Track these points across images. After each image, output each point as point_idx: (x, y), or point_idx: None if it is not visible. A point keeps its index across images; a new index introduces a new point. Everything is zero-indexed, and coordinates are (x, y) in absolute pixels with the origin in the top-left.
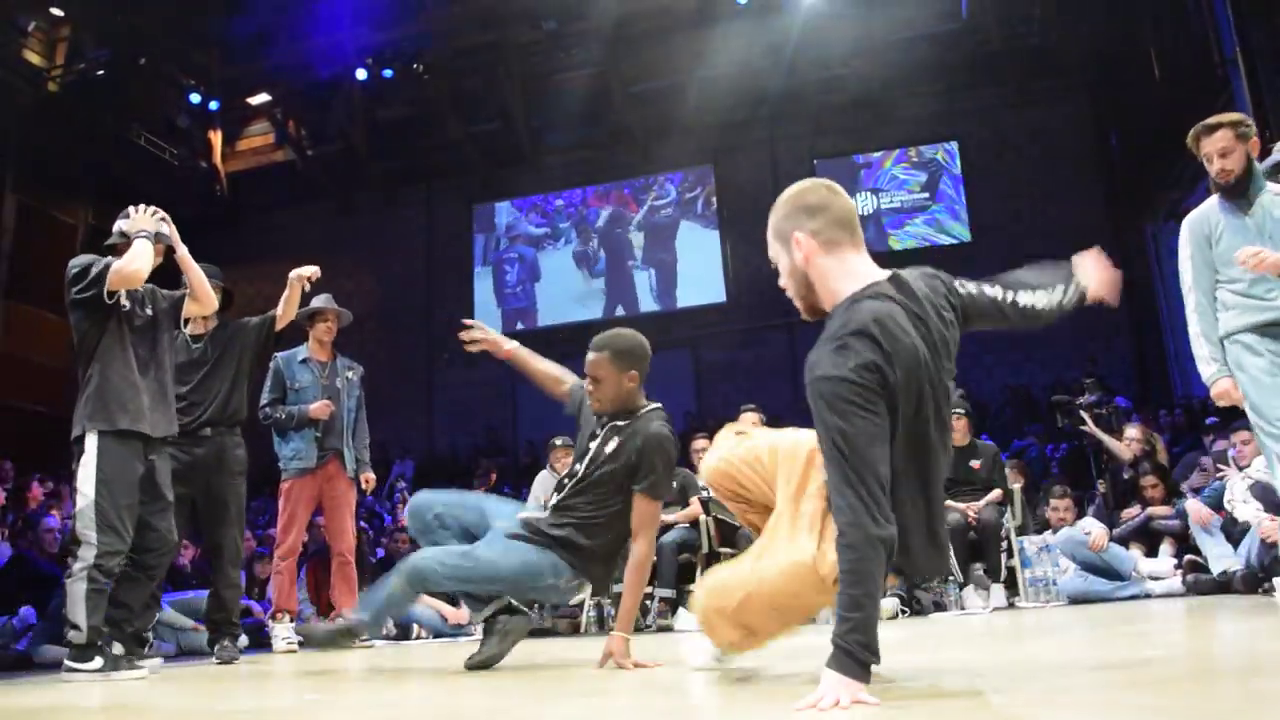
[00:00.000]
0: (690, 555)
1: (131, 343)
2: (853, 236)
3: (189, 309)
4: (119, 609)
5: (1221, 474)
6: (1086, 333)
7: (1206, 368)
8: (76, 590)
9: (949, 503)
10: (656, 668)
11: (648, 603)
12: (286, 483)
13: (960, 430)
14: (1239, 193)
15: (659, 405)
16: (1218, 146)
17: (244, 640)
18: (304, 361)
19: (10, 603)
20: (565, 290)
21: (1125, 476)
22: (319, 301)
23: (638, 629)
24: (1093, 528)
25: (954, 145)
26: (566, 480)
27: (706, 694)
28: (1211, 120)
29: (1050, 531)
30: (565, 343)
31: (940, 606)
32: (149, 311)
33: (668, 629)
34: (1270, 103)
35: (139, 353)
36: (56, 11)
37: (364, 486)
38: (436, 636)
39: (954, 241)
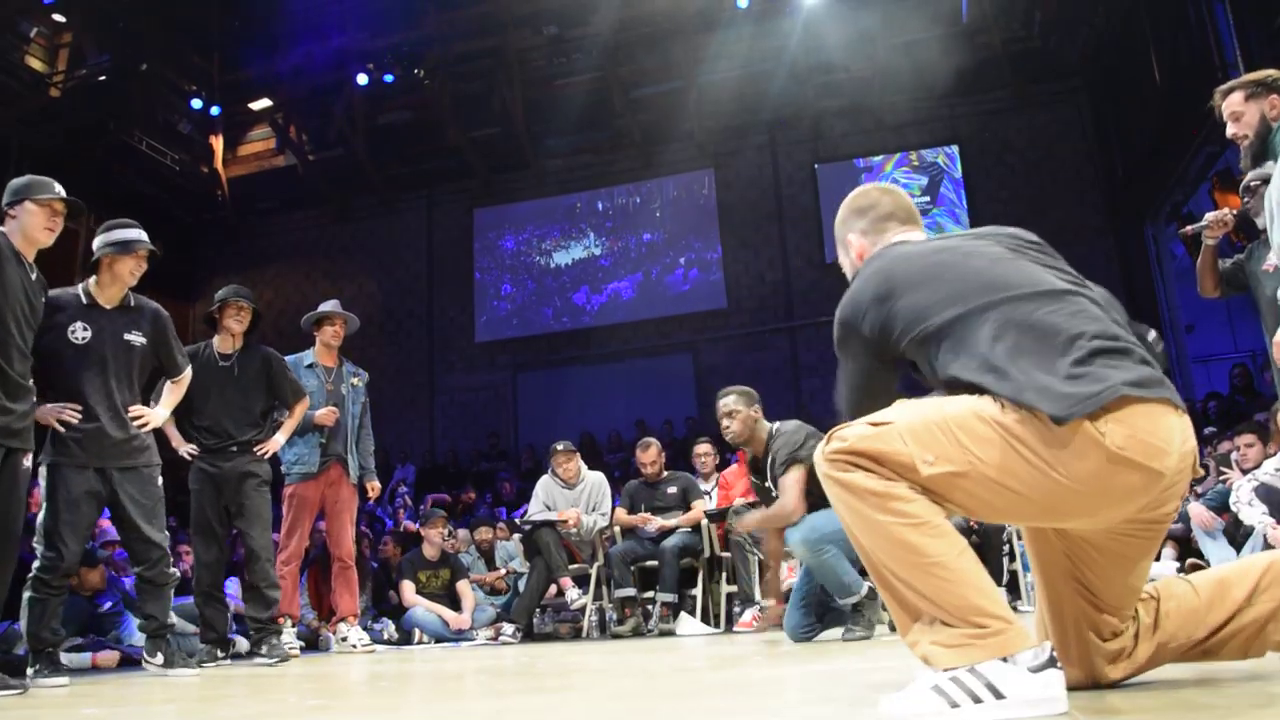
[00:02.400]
0: (692, 560)
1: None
2: (903, 224)
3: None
4: (149, 620)
5: (1224, 476)
6: None
7: None
8: (24, 597)
9: None
10: None
11: (649, 607)
12: (289, 488)
13: None
14: (1259, 159)
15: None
16: (1229, 111)
17: (245, 644)
18: (310, 366)
19: (9, 609)
20: (568, 295)
21: None
22: (327, 306)
23: (638, 633)
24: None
25: (954, 149)
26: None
27: (702, 695)
28: (1228, 84)
29: None
30: (566, 347)
31: None
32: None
33: (669, 634)
34: None
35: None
36: (59, 17)
37: (369, 495)
38: (438, 641)
39: None
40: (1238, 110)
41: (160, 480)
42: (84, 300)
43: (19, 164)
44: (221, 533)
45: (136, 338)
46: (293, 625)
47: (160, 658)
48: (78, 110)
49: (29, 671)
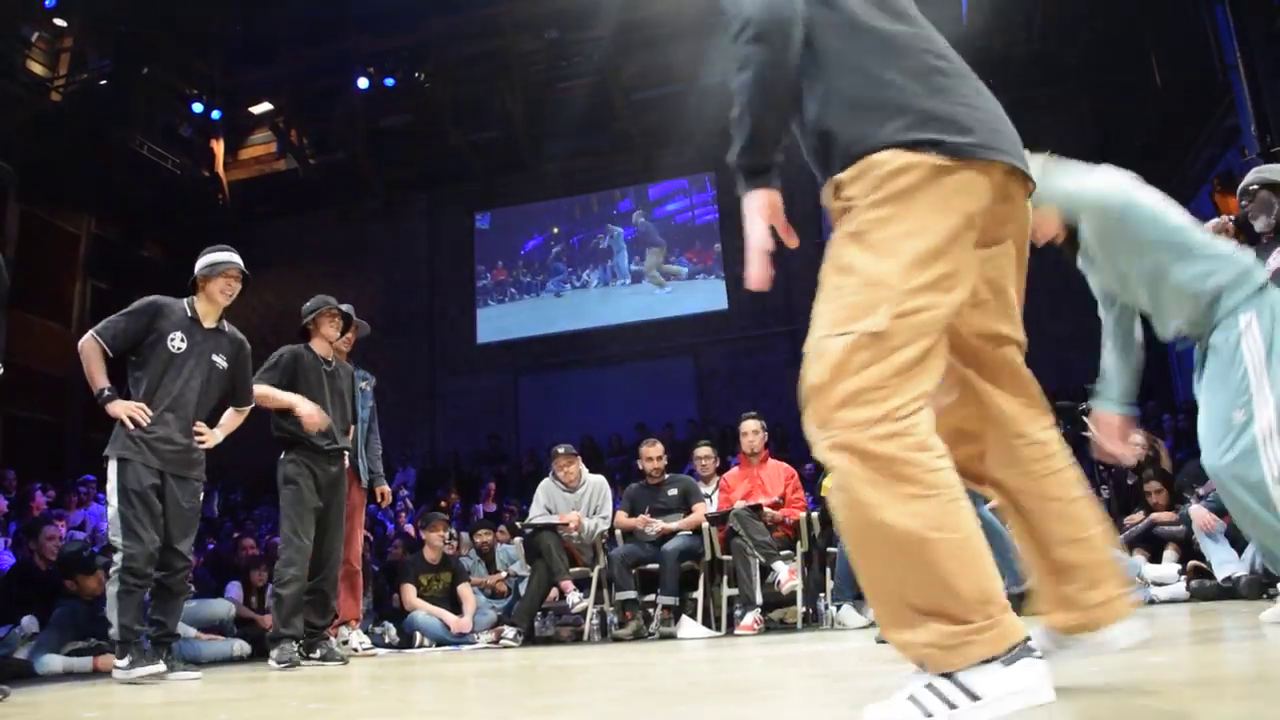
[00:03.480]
0: (693, 563)
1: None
2: None
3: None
4: (157, 626)
5: None
6: (1090, 338)
7: None
8: (110, 591)
9: None
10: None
11: (650, 610)
12: None
13: None
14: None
15: None
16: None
17: (247, 648)
18: None
19: (12, 611)
20: (569, 298)
21: (1129, 482)
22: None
23: (639, 636)
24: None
25: None
26: None
27: (704, 699)
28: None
29: None
30: (567, 350)
31: None
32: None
33: (670, 637)
34: (1271, 108)
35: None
36: (60, 22)
37: (379, 501)
38: (439, 645)
39: None
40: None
41: (202, 496)
42: (188, 314)
43: (21, 169)
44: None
45: (221, 361)
46: None
47: (161, 665)
48: (79, 115)
49: (120, 664)
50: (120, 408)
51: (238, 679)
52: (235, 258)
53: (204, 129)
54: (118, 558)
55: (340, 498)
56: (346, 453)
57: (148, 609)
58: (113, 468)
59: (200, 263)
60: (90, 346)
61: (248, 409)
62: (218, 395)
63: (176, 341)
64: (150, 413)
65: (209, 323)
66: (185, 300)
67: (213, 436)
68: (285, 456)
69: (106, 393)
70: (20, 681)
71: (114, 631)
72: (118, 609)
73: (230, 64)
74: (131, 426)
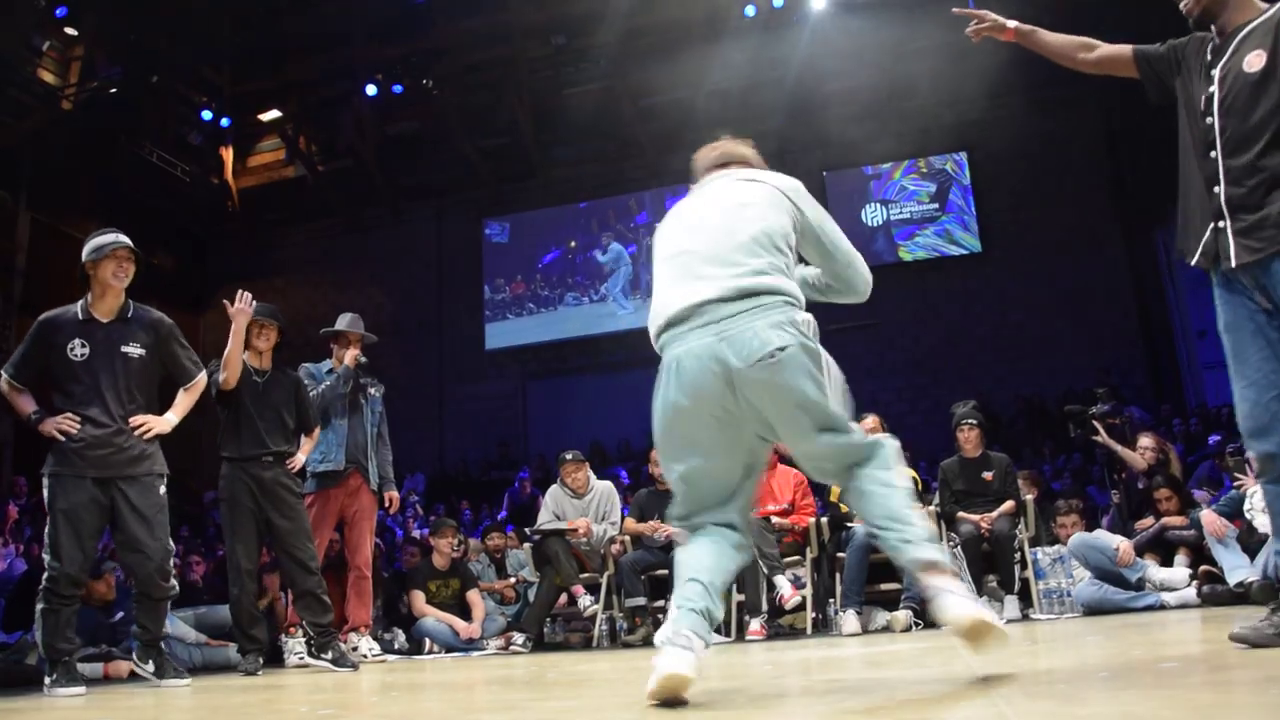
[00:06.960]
0: None
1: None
2: None
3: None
4: (142, 630)
5: (1239, 483)
6: (1099, 342)
7: None
8: (36, 609)
9: (961, 514)
10: None
11: (660, 616)
12: (309, 497)
13: (973, 441)
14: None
15: None
16: None
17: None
18: (330, 373)
19: (23, 618)
20: (575, 303)
21: (1140, 486)
22: (345, 321)
23: (649, 642)
24: (1119, 542)
25: (963, 155)
26: None
27: (713, 704)
28: None
29: (1061, 545)
30: (576, 356)
31: None
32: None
33: None
34: None
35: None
36: (70, 31)
37: (387, 506)
38: (448, 651)
39: (964, 252)
40: None
41: (163, 490)
42: (80, 317)
43: (32, 177)
44: (260, 542)
45: (134, 349)
46: (303, 635)
47: (151, 665)
48: (89, 122)
49: (46, 681)
50: (48, 424)
51: (247, 685)
52: (122, 237)
53: (213, 136)
54: (45, 576)
55: (287, 502)
56: (293, 459)
57: (131, 616)
58: (46, 485)
59: (85, 249)
60: (4, 387)
61: (198, 384)
62: (146, 383)
63: (76, 350)
64: (77, 420)
65: (108, 316)
66: (78, 303)
67: (161, 423)
68: (221, 473)
69: (34, 416)
70: (32, 687)
71: (40, 650)
72: (42, 628)
73: (239, 71)
74: (63, 439)
